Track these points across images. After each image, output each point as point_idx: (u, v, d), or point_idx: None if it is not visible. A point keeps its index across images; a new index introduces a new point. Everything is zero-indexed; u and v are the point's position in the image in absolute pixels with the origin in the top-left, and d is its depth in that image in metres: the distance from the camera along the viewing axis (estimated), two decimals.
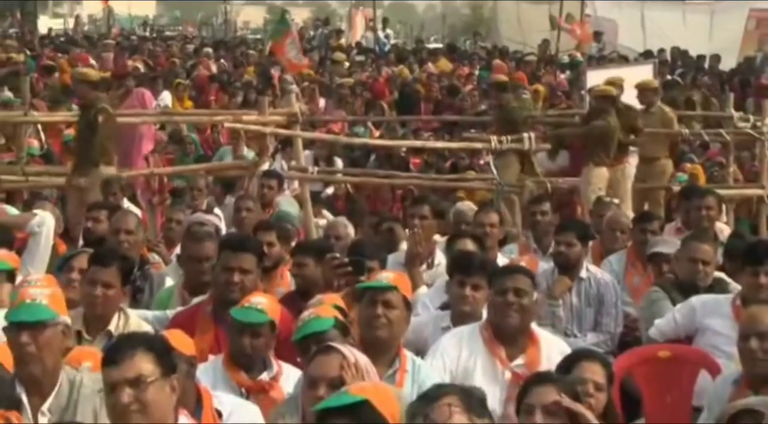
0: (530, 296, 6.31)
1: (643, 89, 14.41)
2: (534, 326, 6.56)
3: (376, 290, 6.07)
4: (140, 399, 4.41)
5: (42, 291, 5.52)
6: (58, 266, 7.46)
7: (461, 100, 20.01)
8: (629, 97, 13.88)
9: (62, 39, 32.76)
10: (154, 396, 4.43)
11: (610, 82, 13.53)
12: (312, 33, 37.21)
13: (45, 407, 5.04)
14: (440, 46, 33.85)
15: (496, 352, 6.20)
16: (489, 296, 6.53)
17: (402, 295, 6.03)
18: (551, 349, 6.33)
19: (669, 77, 21.22)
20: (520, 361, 6.18)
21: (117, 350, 4.56)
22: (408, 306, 6.10)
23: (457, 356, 6.20)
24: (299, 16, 37.16)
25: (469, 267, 7.01)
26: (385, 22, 36.44)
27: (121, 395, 4.41)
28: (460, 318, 6.81)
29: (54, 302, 5.47)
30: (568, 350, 6.48)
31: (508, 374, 6.11)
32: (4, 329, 5.42)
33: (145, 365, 4.44)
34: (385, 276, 6.30)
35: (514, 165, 13.22)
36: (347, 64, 25.87)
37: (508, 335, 6.25)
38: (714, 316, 7.04)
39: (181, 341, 5.43)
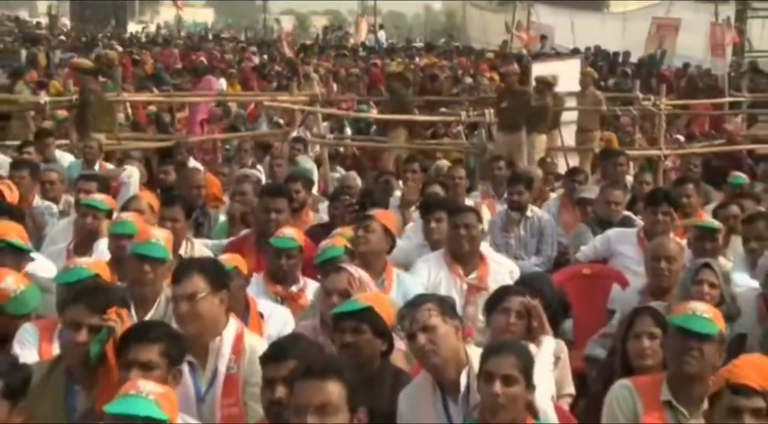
0: (477, 229, 6.23)
1: (584, 76, 14.38)
2: (485, 249, 6.51)
3: (363, 218, 6.11)
4: (194, 311, 4.37)
5: (162, 235, 5.48)
6: None
7: (439, 85, 19.91)
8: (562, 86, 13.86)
9: (144, 40, 32.59)
10: (205, 308, 4.37)
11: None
12: (329, 35, 37.13)
13: (147, 317, 4.97)
14: (422, 44, 33.83)
15: (455, 270, 6.15)
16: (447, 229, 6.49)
17: (382, 225, 6.01)
18: (498, 266, 6.29)
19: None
20: (473, 276, 6.13)
21: (179, 272, 4.53)
22: (388, 232, 6.06)
23: (428, 274, 6.15)
24: (319, 23, 37.05)
25: (432, 205, 7.03)
26: (382, 27, 36.37)
27: (180, 306, 4.38)
28: (431, 244, 6.79)
29: (167, 244, 5.44)
30: (513, 268, 6.52)
31: (465, 286, 6.07)
32: (130, 260, 5.31)
33: (198, 283, 4.39)
34: (374, 212, 6.35)
35: (401, 135, 13.27)
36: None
37: (462, 258, 6.19)
38: (624, 244, 7.03)
39: (239, 263, 5.42)
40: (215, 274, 4.52)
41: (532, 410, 3.78)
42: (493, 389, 3.65)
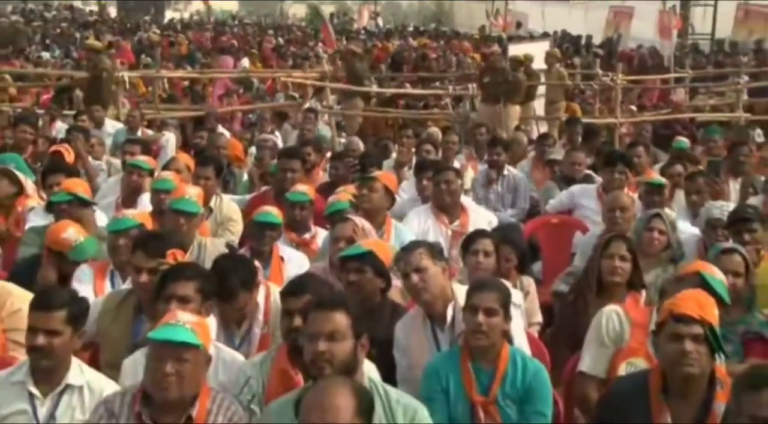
0: (456, 184, 6.20)
1: (548, 56, 14.29)
2: (467, 202, 6.51)
3: (363, 180, 6.08)
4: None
5: (194, 191, 5.47)
6: None
7: (429, 64, 19.77)
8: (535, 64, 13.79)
9: (179, 25, 32.35)
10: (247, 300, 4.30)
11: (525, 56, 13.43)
12: (335, 20, 36.87)
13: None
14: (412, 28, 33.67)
15: (441, 219, 6.15)
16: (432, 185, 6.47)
17: (383, 185, 5.98)
18: (477, 216, 6.27)
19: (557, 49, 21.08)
20: (456, 224, 6.12)
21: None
22: (388, 191, 6.03)
23: (418, 223, 6.15)
24: (327, 9, 36.82)
25: (424, 166, 7.00)
26: (380, 14, 36.21)
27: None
28: (422, 199, 6.78)
29: (199, 200, 5.43)
30: (492, 218, 6.50)
31: (449, 232, 6.05)
32: (168, 213, 5.33)
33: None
34: (377, 173, 6.34)
35: (358, 104, 13.30)
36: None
37: (446, 209, 6.18)
38: (585, 197, 7.01)
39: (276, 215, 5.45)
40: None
41: (507, 337, 3.79)
42: (477, 319, 3.65)
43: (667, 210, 6.40)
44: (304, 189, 6.07)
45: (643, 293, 4.67)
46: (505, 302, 3.75)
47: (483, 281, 3.99)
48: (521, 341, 4.18)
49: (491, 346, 3.67)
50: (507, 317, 3.73)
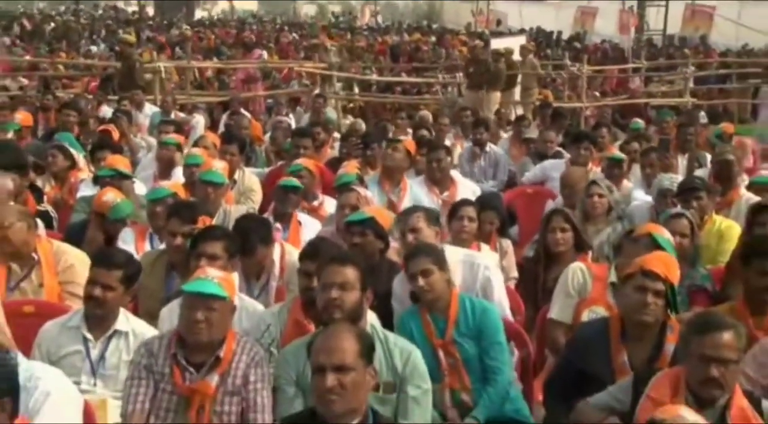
0: (445, 161, 6.22)
1: (522, 49, 14.19)
2: (455, 175, 6.50)
3: (389, 141, 6.25)
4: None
5: (221, 165, 5.43)
6: None
7: (422, 55, 19.62)
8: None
9: (207, 22, 32.10)
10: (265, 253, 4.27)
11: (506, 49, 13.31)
12: (341, 18, 36.56)
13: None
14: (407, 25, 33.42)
15: (433, 190, 6.14)
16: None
17: (405, 147, 6.15)
18: (464, 188, 6.26)
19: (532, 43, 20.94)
20: (446, 194, 6.11)
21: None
22: (409, 154, 6.18)
23: (417, 193, 6.12)
24: (334, 8, 36.66)
25: (419, 144, 6.96)
26: (380, 12, 35.98)
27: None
28: (416, 172, 6.75)
29: (225, 172, 5.40)
30: (476, 188, 6.48)
31: (440, 202, 6.02)
32: (198, 184, 5.29)
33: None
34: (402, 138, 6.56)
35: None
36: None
37: (437, 182, 6.18)
38: (556, 171, 6.94)
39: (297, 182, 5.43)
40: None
41: (450, 283, 3.72)
42: (418, 283, 3.61)
43: (624, 182, 6.42)
44: (309, 163, 5.99)
45: (590, 253, 4.67)
46: (437, 258, 3.67)
47: (415, 248, 3.88)
48: (501, 293, 4.17)
49: (438, 298, 3.63)
50: (443, 268, 3.66)
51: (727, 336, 2.82)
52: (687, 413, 2.58)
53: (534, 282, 4.63)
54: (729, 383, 2.83)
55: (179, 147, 6.65)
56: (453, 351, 3.60)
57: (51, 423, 2.72)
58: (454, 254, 4.07)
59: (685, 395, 2.83)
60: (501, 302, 4.10)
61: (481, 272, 4.10)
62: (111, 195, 4.99)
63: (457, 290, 3.79)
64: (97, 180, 5.73)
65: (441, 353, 3.59)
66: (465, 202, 5.06)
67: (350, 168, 5.96)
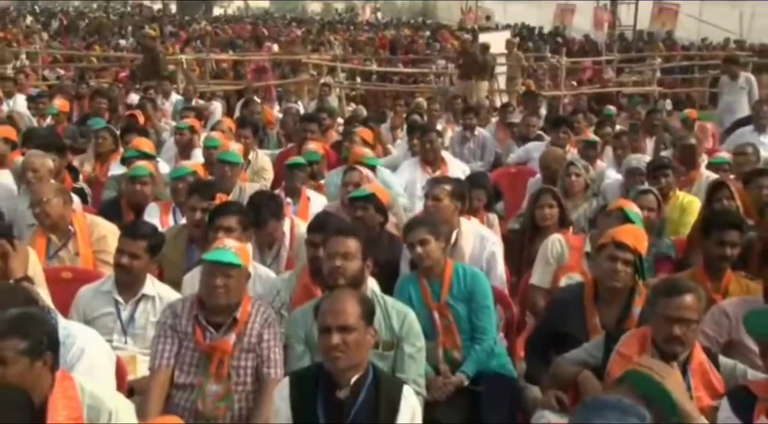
0: (437, 143, 6.19)
1: (507, 43, 14.07)
2: (447, 156, 6.46)
3: (345, 134, 6.26)
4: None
5: (237, 146, 5.39)
6: None
7: (417, 47, 19.49)
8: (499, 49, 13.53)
9: (224, 19, 31.87)
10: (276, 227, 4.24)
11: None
12: (344, 15, 36.32)
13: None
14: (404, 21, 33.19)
15: (426, 170, 6.11)
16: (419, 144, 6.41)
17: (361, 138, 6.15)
18: (454, 168, 6.24)
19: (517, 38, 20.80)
20: (438, 173, 6.04)
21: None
22: (366, 143, 6.11)
23: (408, 172, 6.13)
24: (338, 5, 36.46)
25: (414, 128, 6.92)
26: (380, 9, 35.72)
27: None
28: (412, 154, 6.72)
29: (240, 153, 5.34)
30: (465, 168, 6.45)
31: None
32: (216, 164, 5.22)
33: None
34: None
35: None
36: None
37: (429, 162, 6.16)
38: (537, 152, 6.89)
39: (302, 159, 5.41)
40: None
41: (446, 252, 3.69)
42: (417, 251, 3.59)
43: (598, 162, 6.39)
44: (314, 148, 5.98)
45: (570, 228, 4.65)
46: (434, 229, 3.63)
47: (413, 220, 3.87)
48: (502, 266, 4.19)
49: (435, 264, 3.61)
50: (439, 238, 3.62)
51: (688, 299, 2.82)
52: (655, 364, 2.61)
53: (519, 252, 4.62)
54: (690, 340, 2.84)
55: (192, 129, 6.63)
56: (447, 313, 3.60)
57: (87, 376, 2.73)
58: (469, 227, 4.14)
59: (651, 352, 2.84)
60: (501, 275, 4.16)
61: (488, 246, 4.14)
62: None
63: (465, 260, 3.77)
64: (124, 161, 5.71)
65: (436, 315, 3.59)
66: (440, 180, 4.94)
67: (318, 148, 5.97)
